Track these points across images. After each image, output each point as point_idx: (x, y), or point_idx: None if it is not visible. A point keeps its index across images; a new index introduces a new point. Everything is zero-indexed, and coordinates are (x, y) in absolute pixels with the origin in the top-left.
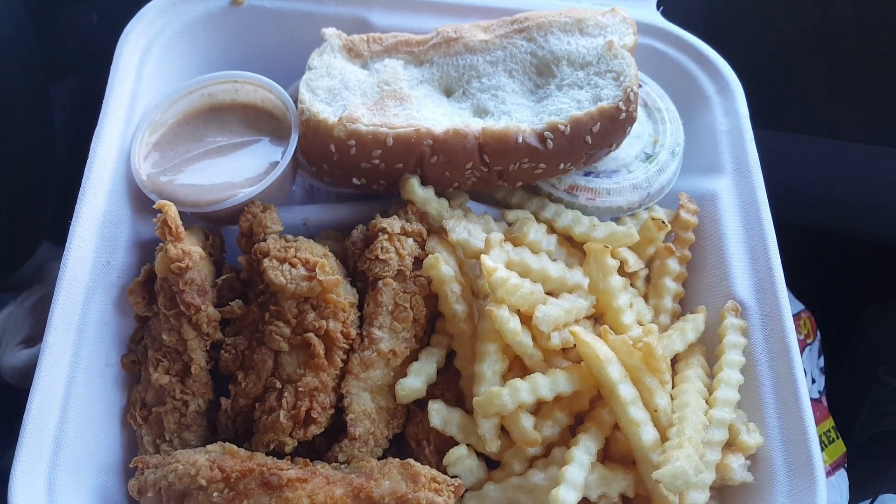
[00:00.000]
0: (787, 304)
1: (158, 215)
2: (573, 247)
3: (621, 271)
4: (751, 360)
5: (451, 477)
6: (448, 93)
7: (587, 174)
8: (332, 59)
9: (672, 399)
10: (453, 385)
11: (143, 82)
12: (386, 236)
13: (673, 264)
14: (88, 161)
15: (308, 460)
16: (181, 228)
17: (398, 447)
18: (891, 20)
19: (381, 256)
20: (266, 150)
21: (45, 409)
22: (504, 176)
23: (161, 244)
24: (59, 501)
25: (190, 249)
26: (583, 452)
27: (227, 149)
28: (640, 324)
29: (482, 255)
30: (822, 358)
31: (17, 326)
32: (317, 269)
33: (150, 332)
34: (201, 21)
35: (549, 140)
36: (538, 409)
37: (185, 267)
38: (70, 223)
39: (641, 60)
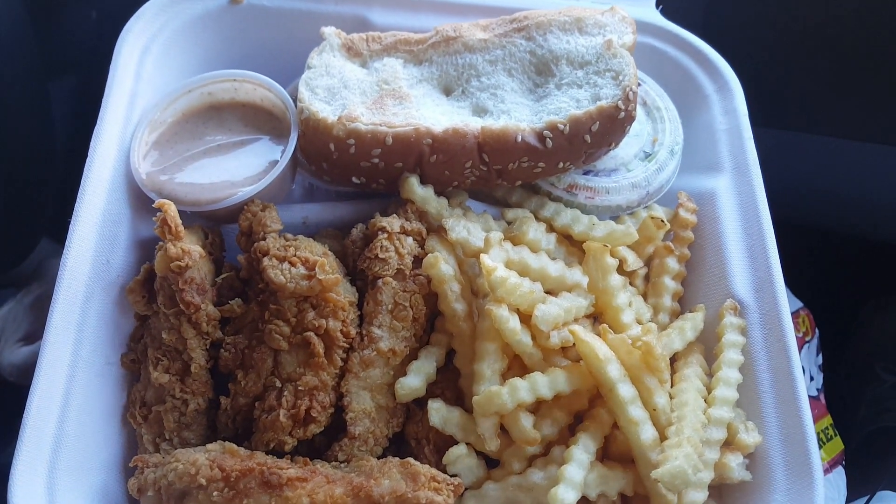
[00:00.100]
0: (785, 303)
1: (158, 214)
2: (572, 245)
3: (620, 270)
4: (749, 359)
5: (451, 476)
6: (447, 92)
7: (586, 173)
8: (332, 57)
9: (671, 398)
10: (453, 384)
11: (143, 81)
12: (385, 235)
13: (672, 263)
14: (88, 160)
15: (308, 459)
16: (181, 227)
17: (398, 446)
18: (890, 19)
19: (381, 255)
20: (265, 149)
21: (45, 407)
22: (503, 175)
23: (161, 243)
24: (59, 500)
25: (189, 248)
26: (582, 451)
27: (226, 147)
28: (639, 322)
29: (481, 255)
30: (820, 355)
31: (17, 323)
32: (316, 268)
33: (150, 331)
34: (200, 19)
35: (548, 139)
36: (537, 407)
37: (185, 266)
38: (69, 222)
39: (640, 59)
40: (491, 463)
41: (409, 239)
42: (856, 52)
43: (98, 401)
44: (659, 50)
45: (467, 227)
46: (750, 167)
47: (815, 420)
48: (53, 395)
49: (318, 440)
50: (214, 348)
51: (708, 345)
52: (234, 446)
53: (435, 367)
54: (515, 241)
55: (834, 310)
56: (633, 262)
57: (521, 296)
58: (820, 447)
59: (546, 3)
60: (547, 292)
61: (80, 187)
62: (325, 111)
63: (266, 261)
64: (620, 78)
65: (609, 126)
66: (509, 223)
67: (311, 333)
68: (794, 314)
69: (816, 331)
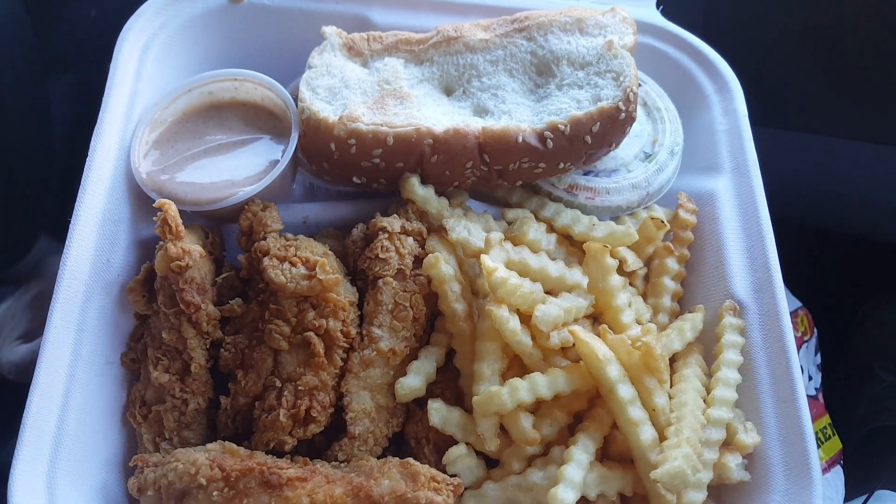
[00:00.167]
0: (784, 304)
1: (158, 214)
2: (572, 246)
3: (620, 270)
4: (748, 360)
5: (451, 476)
6: (448, 92)
7: (587, 173)
8: (333, 57)
9: (670, 398)
10: (453, 384)
11: (143, 80)
12: (386, 235)
13: (671, 263)
14: (88, 159)
15: (308, 459)
16: (181, 227)
17: (398, 446)
18: (889, 19)
19: (382, 255)
20: (266, 149)
21: (45, 407)
22: (504, 175)
23: (161, 242)
24: (59, 500)
25: (190, 248)
26: (581, 451)
27: (227, 147)
28: (639, 323)
29: (482, 255)
30: (818, 355)
31: (15, 321)
32: (317, 268)
33: (150, 331)
34: (201, 18)
35: (548, 140)
36: (537, 408)
37: (185, 266)
38: (69, 221)
39: (640, 59)
40: (490, 463)
41: (410, 239)
42: (855, 53)
43: (98, 400)
44: (659, 50)
45: (468, 228)
46: (750, 168)
47: (814, 419)
48: (53, 394)
49: (318, 440)
50: (214, 348)
51: (707, 345)
52: (234, 446)
53: (435, 367)
54: (516, 242)
55: (832, 309)
56: (633, 262)
57: (521, 296)
58: (818, 446)
59: (547, 4)
60: (547, 292)
61: (81, 187)
62: (326, 111)
63: (266, 260)
64: (621, 79)
65: (609, 127)
66: (510, 223)
67: (311, 333)
68: (793, 314)
69: (815, 330)
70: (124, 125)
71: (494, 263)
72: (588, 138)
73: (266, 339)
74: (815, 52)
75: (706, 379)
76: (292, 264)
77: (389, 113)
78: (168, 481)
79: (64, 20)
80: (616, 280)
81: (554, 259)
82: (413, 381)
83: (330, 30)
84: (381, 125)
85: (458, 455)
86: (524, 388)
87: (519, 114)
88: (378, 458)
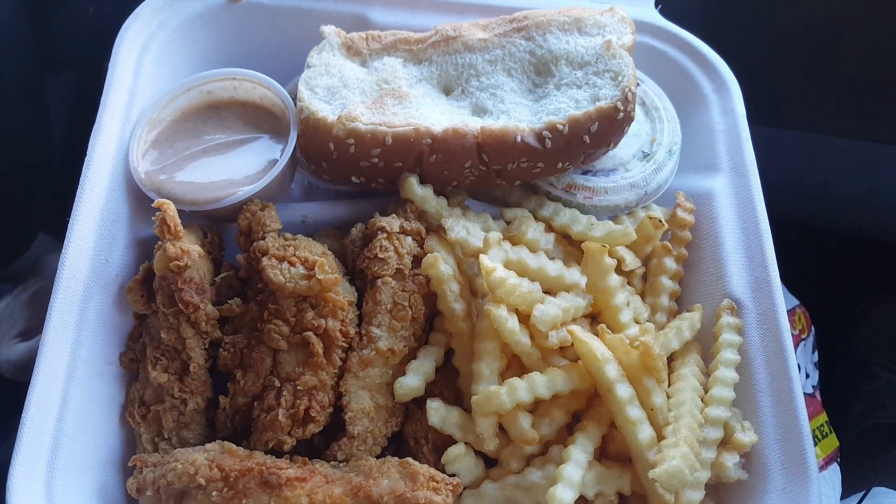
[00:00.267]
0: (782, 303)
1: (157, 214)
2: (571, 245)
3: (618, 270)
4: (746, 359)
5: (450, 475)
6: (447, 91)
7: (585, 173)
8: (331, 56)
9: (668, 397)
10: (451, 383)
11: (142, 79)
12: (385, 235)
13: (670, 263)
14: (86, 159)
15: (307, 459)
16: (180, 227)
17: (396, 445)
18: (887, 18)
19: (380, 255)
20: (265, 148)
21: (44, 407)
22: (502, 175)
23: (160, 242)
24: (58, 500)
25: (188, 248)
26: (580, 451)
27: (225, 146)
28: (637, 322)
29: (481, 255)
30: (816, 353)
31: (14, 320)
32: (316, 268)
33: (149, 330)
34: (200, 18)
35: (547, 140)
36: (536, 407)
37: (184, 266)
38: (68, 220)
39: (639, 58)
40: (489, 462)
41: (409, 239)
42: (852, 51)
43: (97, 400)
44: (658, 49)
45: (466, 227)
46: (748, 167)
47: (811, 417)
48: (52, 394)
49: (317, 440)
50: (213, 348)
51: (705, 344)
52: (233, 446)
53: (434, 367)
54: (514, 241)
55: (829, 307)
56: (632, 261)
57: (519, 296)
58: (815, 444)
59: (546, 3)
60: (545, 292)
61: (79, 186)
62: (325, 110)
63: (265, 260)
64: (619, 79)
65: (608, 127)
66: (508, 223)
67: (310, 333)
68: (791, 312)
69: (812, 328)
70: (123, 124)
71: (493, 263)
72: (586, 138)
73: (265, 338)
74: (812, 51)
75: (704, 378)
76: (291, 264)
77: (388, 112)
78: (167, 481)
79: (62, 18)
80: (614, 280)
81: (552, 258)
82: (412, 381)
83: (329, 29)
84: (380, 125)
85: (456, 454)
86: (523, 388)
87: (517, 113)
88: (377, 457)
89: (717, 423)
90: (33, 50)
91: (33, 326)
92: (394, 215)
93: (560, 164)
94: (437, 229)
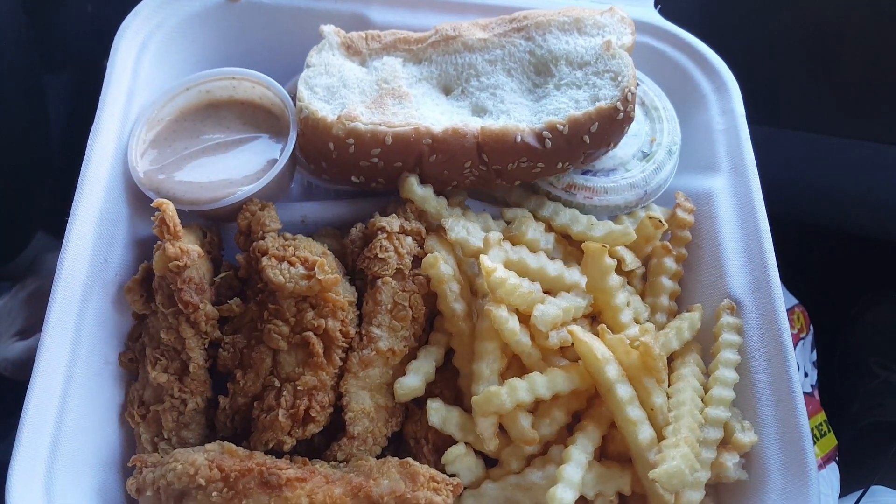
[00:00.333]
0: (782, 303)
1: (156, 213)
2: (571, 245)
3: (618, 270)
4: (746, 359)
5: (450, 475)
6: (447, 91)
7: (585, 173)
8: (331, 56)
9: (668, 398)
10: (452, 383)
11: (140, 79)
12: (385, 235)
13: (669, 263)
14: (85, 158)
15: (307, 459)
16: (179, 227)
17: (397, 445)
18: (888, 17)
19: (380, 255)
20: (264, 148)
21: (43, 407)
22: (502, 175)
23: (159, 242)
24: (57, 500)
25: (188, 248)
26: (580, 451)
27: (224, 146)
28: (637, 322)
29: (481, 255)
30: (814, 352)
31: (12, 318)
32: (316, 268)
33: (148, 330)
34: (198, 17)
35: (547, 140)
36: (536, 407)
37: (184, 266)
38: (67, 220)
39: (638, 59)
40: (489, 462)
41: (409, 239)
42: (851, 51)
43: (96, 400)
44: (657, 49)
45: (466, 227)
46: (747, 168)
47: (809, 416)
48: (51, 394)
49: (317, 440)
50: (213, 348)
51: (705, 344)
52: (233, 446)
53: (434, 367)
54: (514, 241)
55: (827, 306)
56: (632, 262)
57: (520, 296)
58: (814, 443)
59: (545, 3)
60: (545, 292)
61: (78, 186)
62: (325, 110)
63: (265, 260)
64: (619, 79)
65: (608, 127)
66: (508, 223)
67: (310, 333)
68: (790, 311)
69: (811, 328)
70: (121, 124)
71: (493, 263)
72: (586, 138)
73: (265, 338)
74: (812, 51)
75: (704, 378)
76: (291, 264)
77: (388, 112)
78: (167, 482)
79: (61, 17)
80: (615, 280)
81: (552, 258)
82: (412, 381)
83: (328, 29)
84: (380, 124)
85: (457, 454)
86: (523, 388)
87: (517, 113)
88: (377, 457)
89: (717, 424)
90: (32, 49)
91: (31, 325)
92: (394, 215)
93: (560, 165)
94: (437, 229)
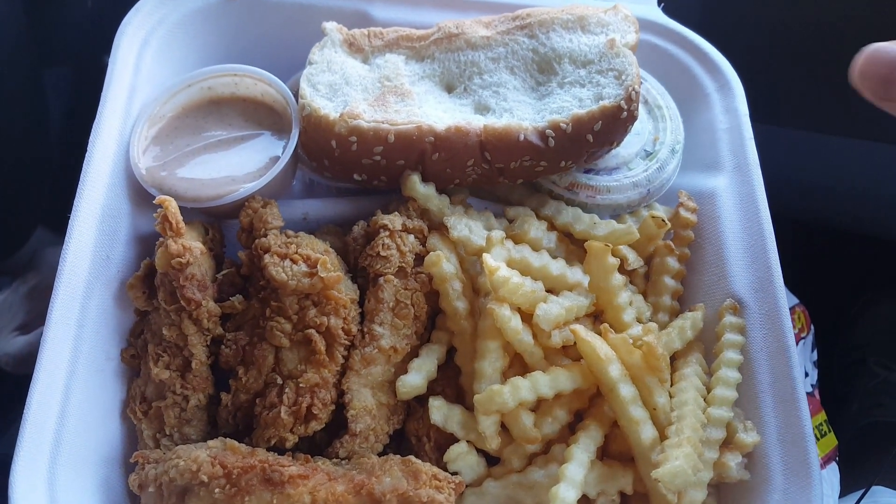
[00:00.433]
0: (784, 303)
1: (158, 210)
2: (573, 244)
3: (621, 269)
4: (748, 359)
5: (452, 473)
6: (449, 89)
7: (588, 171)
8: (333, 53)
9: (671, 397)
10: (454, 381)
11: (142, 75)
12: (387, 233)
13: (672, 262)
14: (87, 154)
15: (309, 456)
16: (181, 224)
17: (398, 443)
18: (888, 16)
19: (383, 253)
20: (266, 145)
21: (46, 403)
22: (505, 173)
23: (161, 239)
24: (60, 496)
25: (190, 245)
26: (582, 450)
27: (226, 143)
28: (640, 321)
29: (484, 254)
30: (815, 352)
31: (12, 313)
32: (318, 266)
33: (150, 327)
34: (200, 13)
35: (550, 138)
36: (538, 406)
37: (186, 262)
38: (69, 216)
39: (641, 57)
40: (491, 461)
41: (411, 237)
42: (854, 50)
43: (98, 396)
44: (660, 48)
45: (469, 226)
46: (750, 167)
47: (811, 416)
48: (54, 390)
49: (319, 437)
50: (215, 344)
51: (707, 344)
52: (235, 443)
53: (436, 365)
54: (517, 240)
55: (828, 305)
56: (634, 261)
57: (522, 295)
58: None
59: (549, 1)
60: (547, 291)
61: (80, 182)
62: (327, 108)
63: (267, 258)
64: (623, 77)
65: (611, 126)
66: (511, 221)
67: (312, 331)
68: (791, 310)
69: (812, 327)
70: (123, 120)
71: (496, 262)
72: (590, 137)
73: (267, 336)
74: (813, 49)
75: (706, 378)
76: (293, 262)
77: (390, 110)
78: (169, 478)
79: (60, 12)
80: (617, 279)
81: (554, 257)
82: (414, 379)
83: (330, 25)
84: (383, 122)
85: (458, 453)
86: (526, 387)
87: (520, 112)
88: (379, 455)
89: (719, 423)
90: (31, 44)
91: (32, 320)
92: (396, 213)
93: (563, 163)
94: (439, 227)
